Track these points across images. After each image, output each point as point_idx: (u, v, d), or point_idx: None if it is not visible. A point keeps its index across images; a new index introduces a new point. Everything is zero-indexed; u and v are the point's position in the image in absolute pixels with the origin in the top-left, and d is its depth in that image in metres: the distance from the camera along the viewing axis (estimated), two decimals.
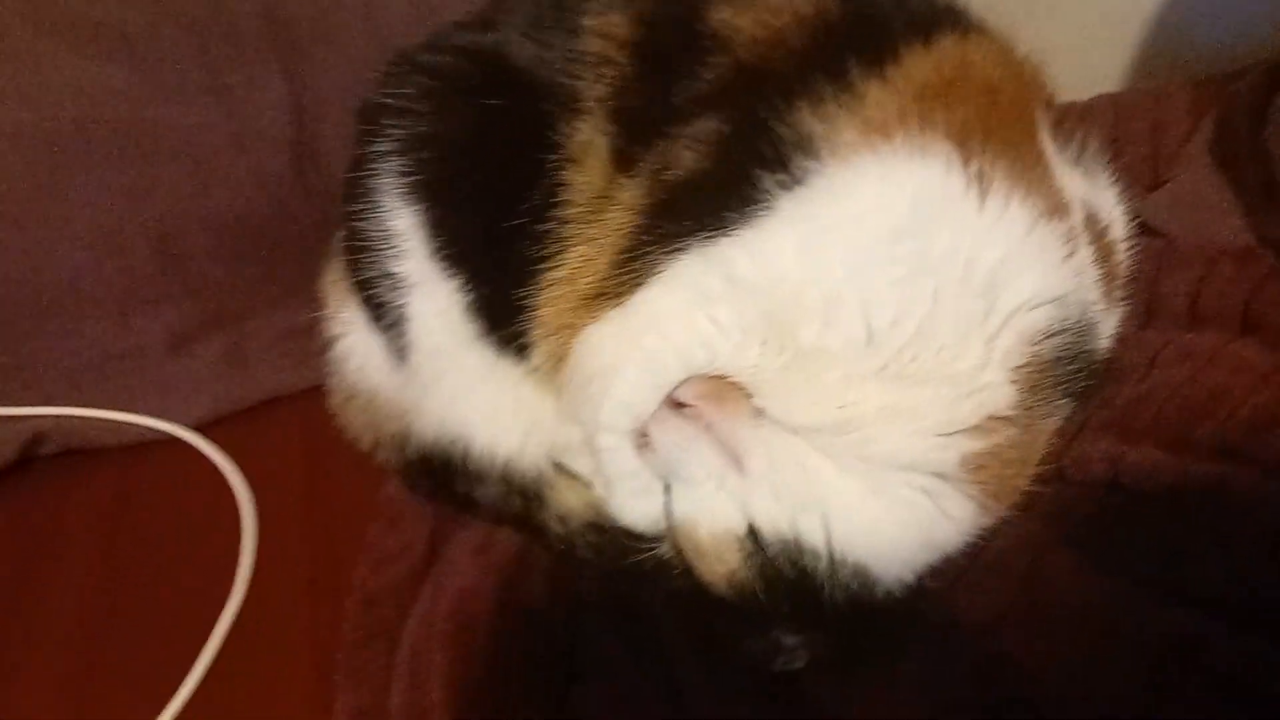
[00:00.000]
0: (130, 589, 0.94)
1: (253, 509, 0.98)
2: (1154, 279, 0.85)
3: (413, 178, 0.83)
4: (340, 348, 0.97)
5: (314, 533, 0.97)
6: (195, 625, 0.89)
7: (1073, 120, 0.83)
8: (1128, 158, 0.93)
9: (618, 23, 0.83)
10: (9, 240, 1.03)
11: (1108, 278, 0.76)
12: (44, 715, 0.85)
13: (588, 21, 0.84)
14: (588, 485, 0.87)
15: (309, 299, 1.03)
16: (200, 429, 1.04)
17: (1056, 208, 0.71)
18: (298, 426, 1.06)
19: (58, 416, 1.02)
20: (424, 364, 0.88)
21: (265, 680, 0.85)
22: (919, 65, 0.75)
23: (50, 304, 1.03)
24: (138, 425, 1.03)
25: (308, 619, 0.90)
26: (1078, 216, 0.74)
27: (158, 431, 1.03)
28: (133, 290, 1.06)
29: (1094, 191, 0.79)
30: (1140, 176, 0.95)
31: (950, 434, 0.68)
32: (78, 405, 1.02)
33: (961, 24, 0.81)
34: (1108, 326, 0.76)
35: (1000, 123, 0.73)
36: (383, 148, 0.84)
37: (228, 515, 0.98)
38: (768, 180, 0.71)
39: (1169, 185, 0.93)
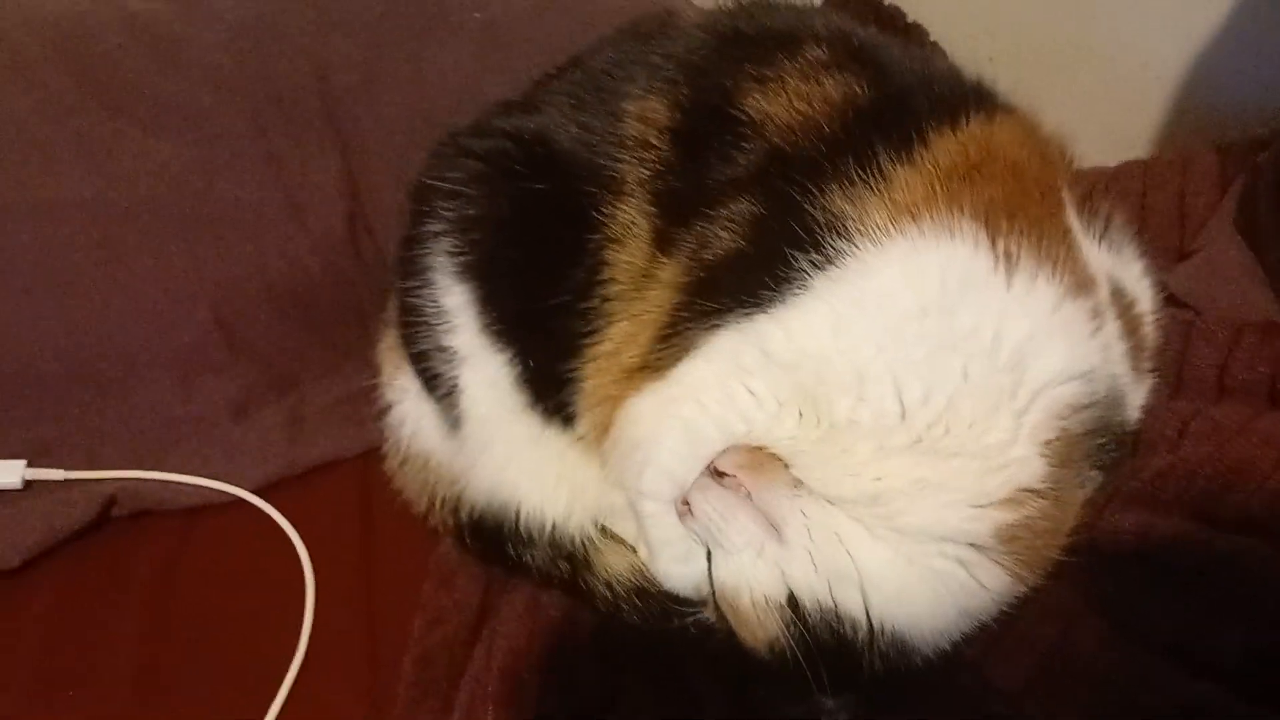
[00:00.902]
0: (197, 642, 0.98)
1: (311, 569, 1.02)
2: (1182, 351, 0.87)
3: (463, 257, 0.88)
4: (395, 414, 1.02)
5: (370, 592, 1.00)
6: (260, 679, 0.93)
7: (1100, 192, 0.86)
8: (1155, 227, 0.95)
9: (656, 108, 0.87)
10: (78, 310, 1.10)
11: (1135, 350, 0.78)
12: None
13: (627, 106, 0.88)
14: (632, 549, 0.91)
15: (364, 364, 1.10)
16: (261, 492, 1.09)
17: (1083, 283, 0.74)
18: (354, 489, 1.10)
19: (130, 480, 1.07)
20: (475, 432, 0.92)
21: None
22: (946, 148, 0.78)
23: (120, 372, 1.09)
24: (202, 488, 1.07)
25: (366, 675, 0.93)
26: (1104, 291, 0.76)
27: (220, 494, 1.08)
28: (196, 358, 1.12)
29: (1120, 265, 0.82)
30: (1168, 246, 0.97)
31: (982, 506, 0.70)
32: (148, 469, 1.07)
33: (988, 104, 0.84)
34: (1136, 398, 0.78)
35: (1026, 202, 0.76)
36: (434, 228, 0.89)
37: (288, 574, 1.01)
38: (801, 260, 0.74)
39: (1196, 258, 0.95)
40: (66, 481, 1.05)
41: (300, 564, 1.02)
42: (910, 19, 1.41)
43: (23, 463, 1.05)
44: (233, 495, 1.08)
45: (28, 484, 1.04)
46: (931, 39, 1.38)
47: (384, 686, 0.90)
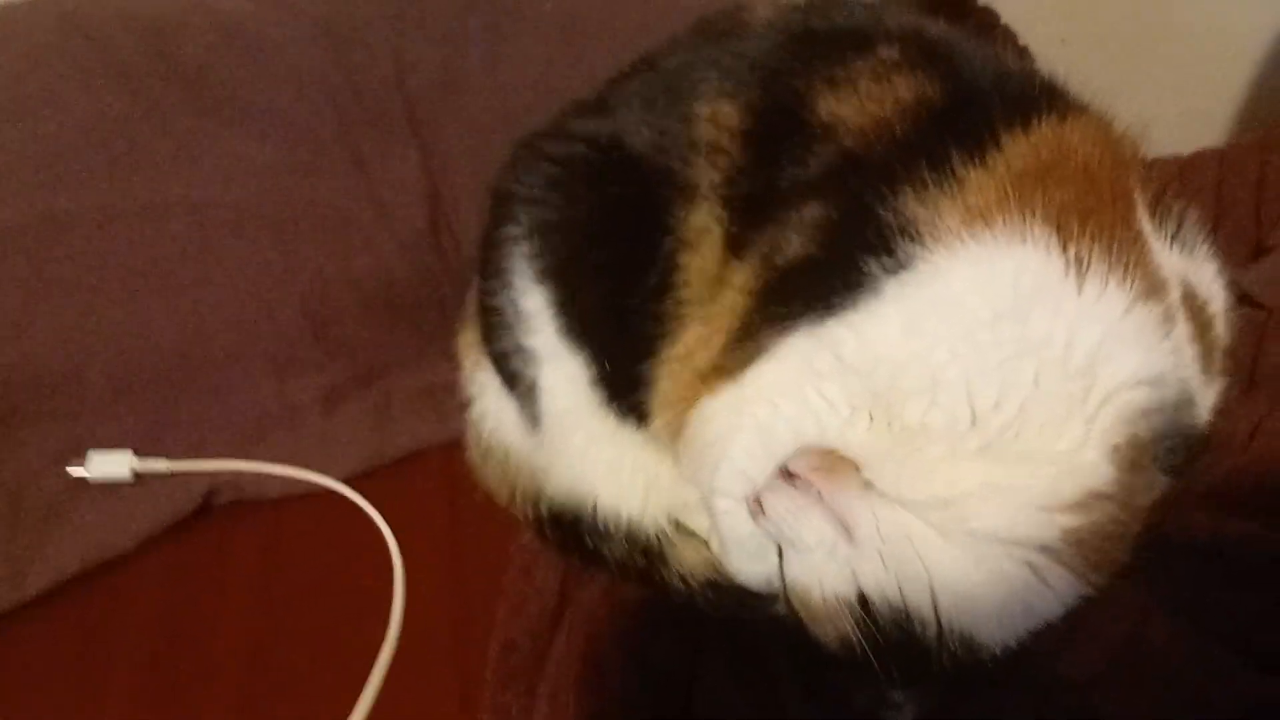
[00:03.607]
0: (295, 625, 1.04)
1: (400, 555, 1.07)
2: (1255, 351, 0.86)
3: (541, 260, 0.91)
4: (476, 408, 1.06)
5: (457, 578, 1.06)
6: (355, 661, 0.98)
7: (1173, 186, 0.85)
8: (1232, 220, 0.94)
9: (728, 112, 0.88)
10: (179, 309, 1.16)
11: (1207, 352, 0.78)
12: None
13: (699, 108, 0.89)
14: (705, 544, 0.94)
15: (447, 355, 1.13)
16: (350, 481, 1.14)
17: (1154, 287, 0.74)
18: (439, 478, 1.14)
19: (228, 470, 1.13)
20: (553, 429, 0.96)
21: (419, 717, 0.94)
22: (1018, 151, 0.78)
23: (218, 368, 1.15)
24: (296, 479, 1.13)
25: (455, 658, 0.98)
26: (1175, 294, 0.76)
27: (313, 483, 1.13)
28: (287, 354, 1.17)
29: (1193, 266, 0.81)
30: (1243, 241, 0.96)
31: (1051, 510, 0.71)
32: (245, 460, 1.13)
33: (1060, 104, 0.83)
34: (1207, 400, 0.78)
35: (1098, 205, 0.76)
36: (513, 232, 0.92)
37: (378, 561, 1.07)
38: (873, 264, 0.75)
39: (1270, 257, 0.94)
40: (171, 473, 1.12)
41: (389, 551, 1.07)
42: (981, 2, 1.40)
43: (130, 453, 1.11)
44: (324, 485, 1.13)
45: (136, 475, 1.11)
46: (1003, 22, 1.36)
47: (472, 669, 0.94)
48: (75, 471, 1.09)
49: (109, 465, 1.10)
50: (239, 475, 1.13)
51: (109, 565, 1.08)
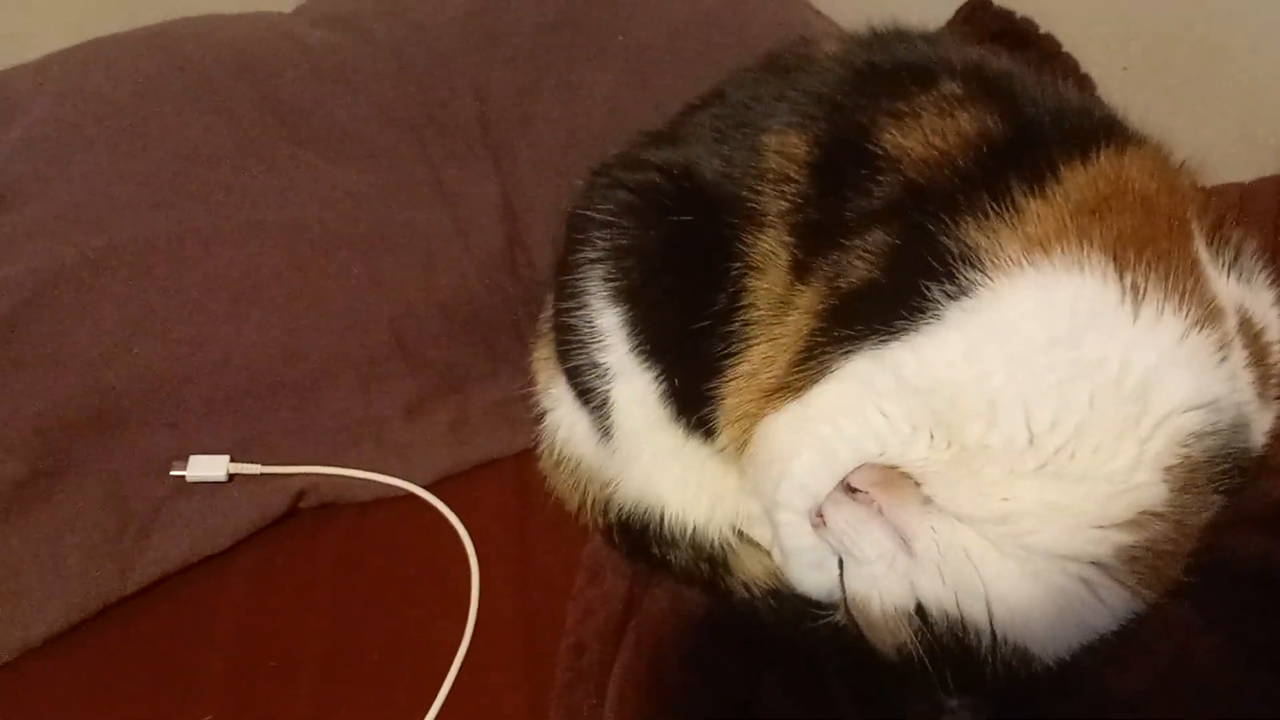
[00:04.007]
0: (375, 624, 1.08)
1: (475, 559, 1.12)
2: None
3: (616, 283, 0.96)
4: (550, 420, 1.12)
5: (529, 582, 1.10)
6: (431, 660, 1.03)
7: (1231, 215, 0.87)
8: None
9: (795, 143, 0.93)
10: (270, 322, 1.22)
11: (1263, 379, 0.80)
12: None
13: (767, 140, 0.94)
14: (768, 554, 0.98)
15: (521, 370, 1.20)
16: (430, 487, 1.19)
17: (1210, 315, 0.76)
18: (513, 485, 1.19)
19: (317, 475, 1.19)
20: (623, 441, 1.01)
21: (491, 715, 0.99)
22: (1077, 182, 0.81)
23: (305, 379, 1.21)
24: (380, 483, 1.19)
25: (526, 659, 1.02)
26: (1232, 321, 0.78)
27: (395, 488, 1.19)
28: (373, 367, 1.23)
29: (1250, 294, 0.83)
30: None
31: (1106, 528, 0.74)
32: (332, 466, 1.19)
33: (1118, 136, 0.87)
34: (1262, 425, 0.80)
35: (1155, 234, 0.79)
36: (589, 255, 0.97)
37: (455, 564, 1.12)
38: (935, 290, 0.78)
39: None
40: (263, 475, 1.18)
41: (466, 554, 1.12)
42: (1043, 30, 1.42)
43: (226, 458, 1.18)
44: (405, 490, 1.19)
45: (231, 477, 1.17)
46: (1064, 50, 1.38)
47: (542, 670, 0.99)
48: (177, 473, 1.16)
49: (207, 468, 1.17)
50: (326, 479, 1.19)
51: (206, 564, 1.14)
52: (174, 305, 1.19)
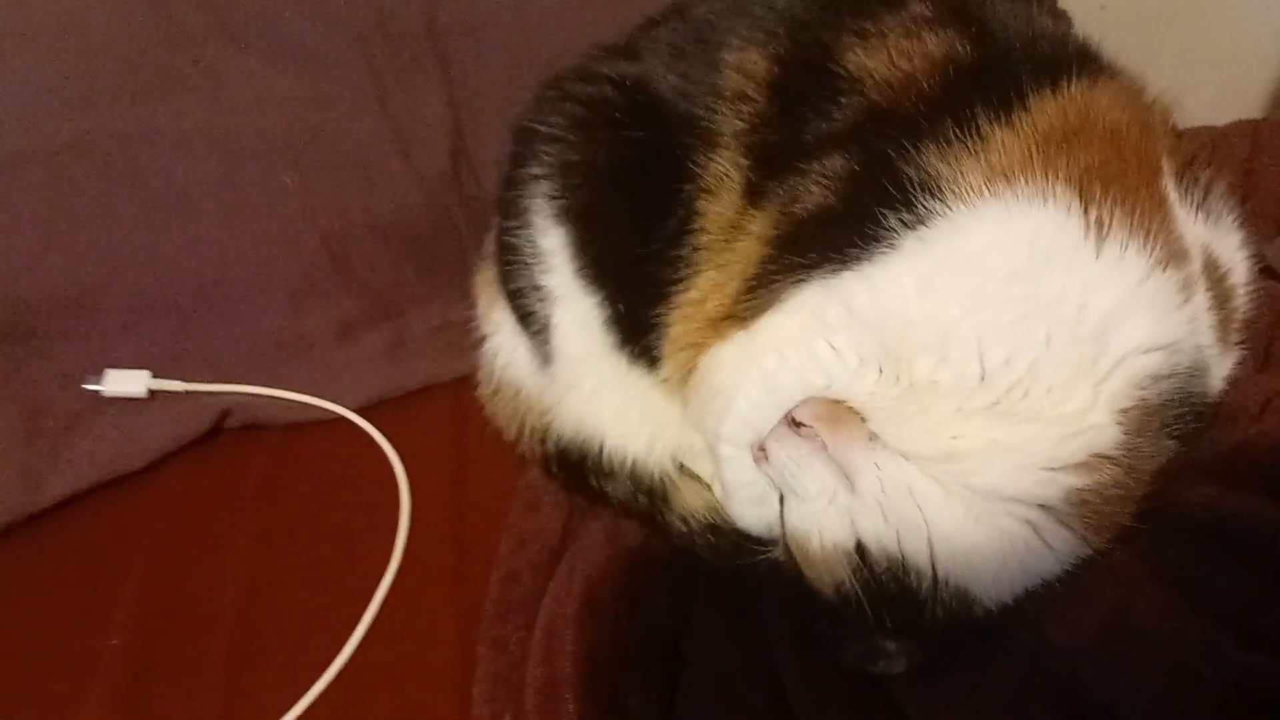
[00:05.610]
0: (299, 548, 1.05)
1: (407, 486, 1.08)
2: (1273, 324, 0.86)
3: (561, 201, 0.91)
4: (489, 345, 1.07)
5: (462, 510, 1.07)
6: (356, 586, 1.00)
7: (1204, 156, 0.85)
8: (1261, 193, 0.93)
9: (755, 60, 0.88)
10: (200, 235, 1.17)
11: (1224, 323, 0.78)
12: (216, 664, 0.95)
13: (726, 57, 0.90)
14: (708, 488, 0.95)
15: (463, 294, 1.14)
16: (361, 411, 1.16)
17: (1174, 255, 0.73)
18: (450, 412, 1.16)
19: (242, 394, 1.15)
20: (564, 368, 0.97)
21: (416, 644, 0.95)
22: (1045, 112, 0.77)
23: (233, 294, 1.16)
24: (308, 405, 1.15)
25: (455, 588, 0.99)
26: (1196, 263, 0.76)
27: (325, 411, 1.15)
28: (305, 284, 1.18)
29: (1217, 236, 0.81)
30: (1271, 215, 0.95)
31: (1055, 469, 0.71)
32: (260, 385, 1.15)
33: (1091, 68, 0.83)
34: (1220, 370, 0.78)
35: (1123, 170, 0.75)
36: (534, 171, 0.92)
37: (385, 490, 1.08)
38: (891, 218, 0.75)
39: None
40: (186, 393, 1.14)
41: (396, 481, 1.09)
42: None
43: (147, 373, 1.13)
44: (335, 413, 1.15)
45: (152, 394, 1.13)
46: None
47: (471, 600, 0.96)
48: (93, 387, 1.11)
49: (125, 383, 1.12)
50: (252, 399, 1.15)
51: (123, 484, 1.10)
52: (91, 212, 1.13)
